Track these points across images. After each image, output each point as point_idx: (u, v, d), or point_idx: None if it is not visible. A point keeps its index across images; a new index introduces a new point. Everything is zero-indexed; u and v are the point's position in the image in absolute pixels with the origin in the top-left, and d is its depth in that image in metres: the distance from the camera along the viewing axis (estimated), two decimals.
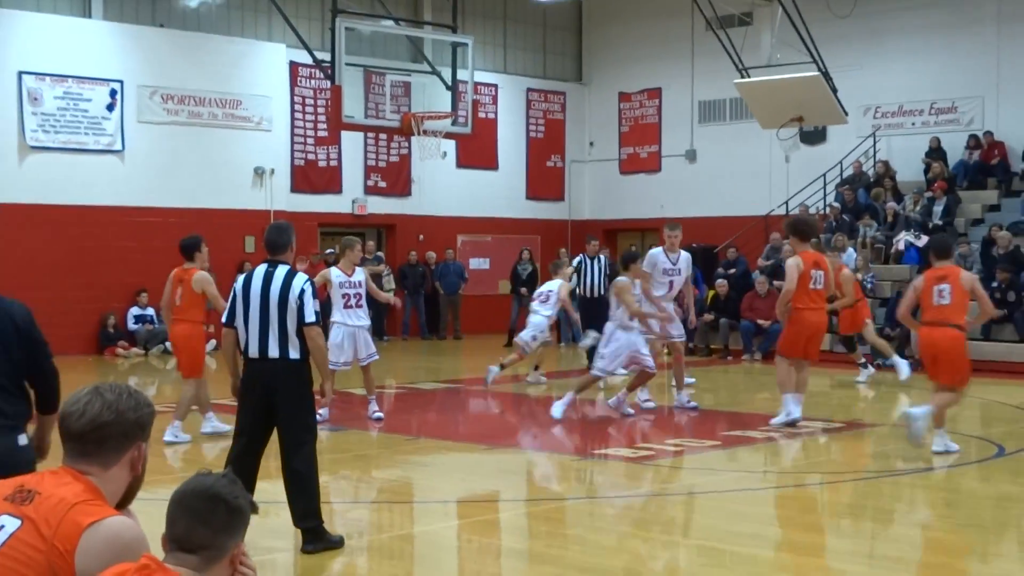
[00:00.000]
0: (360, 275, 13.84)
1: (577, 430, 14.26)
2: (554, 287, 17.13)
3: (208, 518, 3.38)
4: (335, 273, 13.73)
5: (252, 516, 3.48)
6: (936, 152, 25.39)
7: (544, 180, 30.55)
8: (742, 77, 22.11)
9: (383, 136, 26.06)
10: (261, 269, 8.06)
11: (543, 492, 10.98)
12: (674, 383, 15.46)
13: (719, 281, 23.82)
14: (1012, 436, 13.46)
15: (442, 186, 27.99)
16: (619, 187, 30.74)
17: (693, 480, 11.01)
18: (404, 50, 23.27)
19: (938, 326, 11.38)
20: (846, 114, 22.04)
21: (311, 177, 26.06)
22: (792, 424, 13.17)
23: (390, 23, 22.79)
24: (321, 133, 26.31)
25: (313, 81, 25.58)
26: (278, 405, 7.90)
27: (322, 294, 12.65)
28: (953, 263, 11.94)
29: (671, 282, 14.95)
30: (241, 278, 8.16)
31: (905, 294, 12.28)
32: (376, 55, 23.45)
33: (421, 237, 27.74)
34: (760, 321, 22.62)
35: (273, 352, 7.92)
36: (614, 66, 30.73)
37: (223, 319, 8.31)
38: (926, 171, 25.27)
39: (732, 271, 24.29)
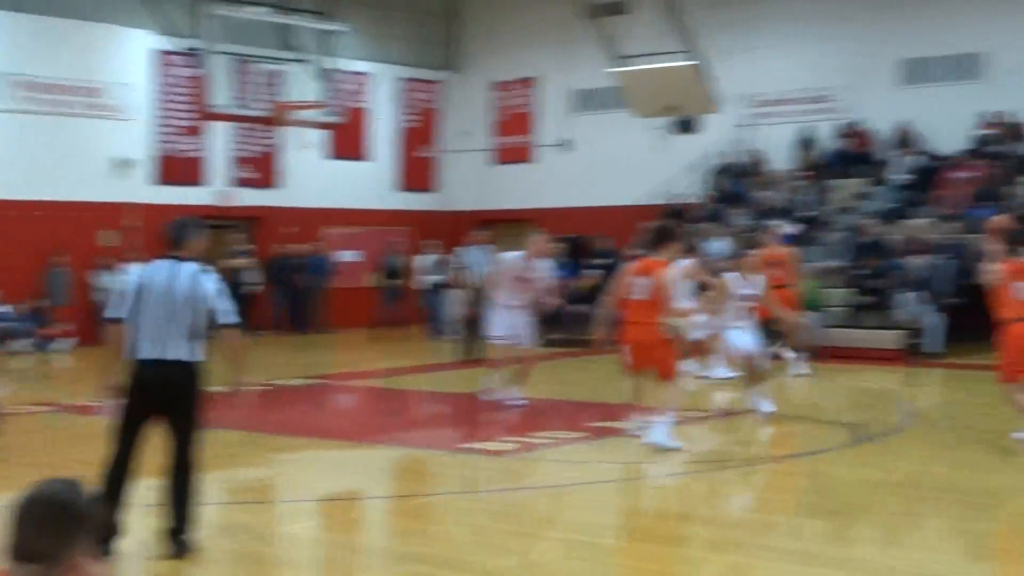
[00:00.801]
0: None
1: (447, 424, 14.23)
2: None
3: (48, 526, 3.28)
4: None
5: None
6: (806, 141, 25.84)
7: (416, 171, 30.43)
8: (617, 66, 22.24)
9: (251, 127, 25.68)
10: (163, 265, 7.73)
11: (408, 488, 10.91)
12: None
13: (591, 271, 23.93)
14: (876, 422, 13.72)
15: (312, 177, 27.72)
16: (494, 177, 30.75)
17: (559, 473, 11.01)
18: (275, 38, 22.95)
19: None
20: (719, 103, 22.29)
21: (175, 168, 25.54)
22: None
23: (260, 10, 22.46)
24: (187, 123, 25.82)
25: (179, 69, 25.09)
26: (173, 408, 7.66)
27: None
28: None
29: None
30: (138, 273, 7.80)
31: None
32: (246, 43, 23.07)
33: (295, 229, 27.40)
34: None
35: (175, 354, 7.61)
36: (488, 55, 30.73)
37: (111, 314, 7.88)
38: (796, 160, 25.70)
39: (606, 260, 24.42)
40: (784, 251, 18.23)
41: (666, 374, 11.40)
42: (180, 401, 7.67)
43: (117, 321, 7.76)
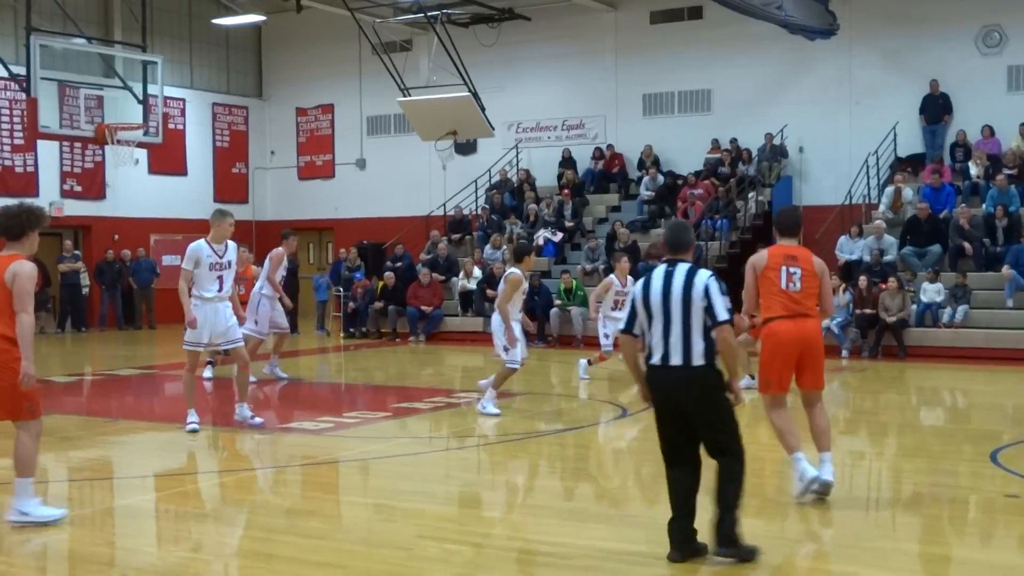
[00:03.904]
0: None
1: (264, 406, 13.99)
2: None
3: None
4: None
5: None
6: (567, 162, 26.30)
7: (230, 185, 29.88)
8: (404, 96, 22.23)
9: (78, 144, 24.86)
10: (661, 270, 6.62)
11: (233, 464, 10.71)
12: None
13: (387, 273, 23.90)
14: (634, 400, 14.04)
15: (135, 190, 27.00)
16: (298, 191, 30.42)
17: (368, 447, 10.99)
18: (97, 66, 22.17)
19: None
20: (493, 129, 22.50)
21: (8, 181, 24.55)
22: None
23: (82, 41, 21.74)
24: (17, 141, 24.84)
25: (8, 92, 24.11)
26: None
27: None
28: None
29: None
30: (640, 283, 6.67)
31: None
32: (70, 70, 22.21)
33: (116, 236, 26.64)
34: (423, 307, 22.85)
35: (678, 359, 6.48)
36: (291, 84, 30.35)
37: (624, 327, 6.73)
38: (559, 178, 26.13)
39: (399, 264, 24.41)
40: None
41: None
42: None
43: (628, 333, 6.76)
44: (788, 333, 7.96)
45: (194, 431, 11.29)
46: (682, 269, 6.55)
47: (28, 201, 8.71)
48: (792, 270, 8.01)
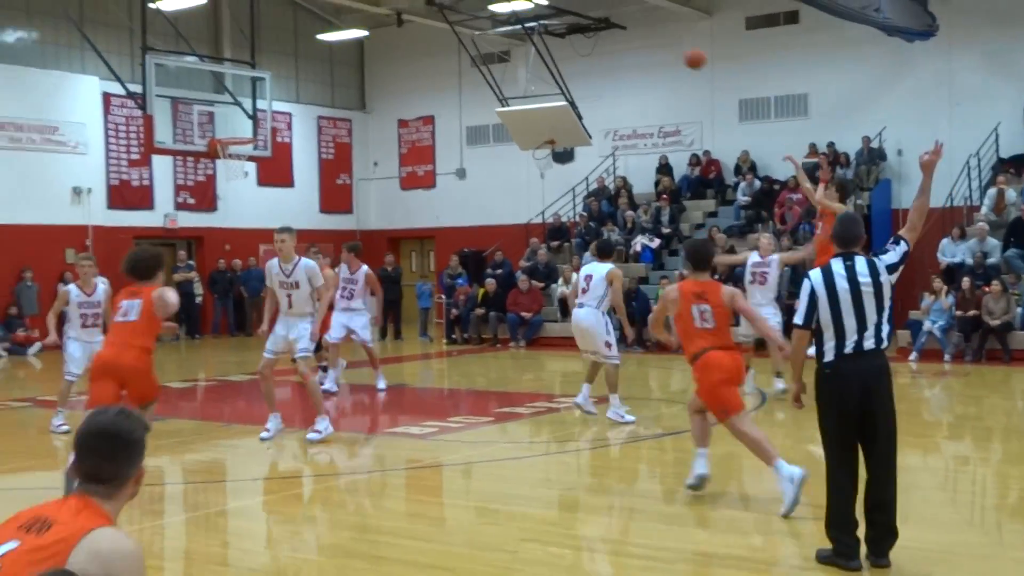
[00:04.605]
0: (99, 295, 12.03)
1: (369, 411, 14.17)
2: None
3: (111, 455, 3.35)
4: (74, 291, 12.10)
5: None
6: (664, 168, 26.15)
7: (335, 195, 30.29)
8: (502, 106, 22.33)
9: (191, 158, 25.41)
10: (840, 264, 6.56)
11: (341, 468, 10.86)
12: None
13: (488, 280, 24.02)
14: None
15: (245, 202, 27.48)
16: (400, 201, 30.70)
17: (471, 451, 11.05)
18: (209, 83, 22.66)
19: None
20: (590, 137, 22.48)
21: (126, 195, 25.21)
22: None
23: (194, 59, 22.22)
24: (134, 156, 25.46)
25: (125, 109, 24.73)
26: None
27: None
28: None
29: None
30: (820, 279, 6.56)
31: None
32: (183, 87, 22.74)
33: (227, 247, 27.15)
34: (523, 313, 22.91)
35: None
36: (393, 96, 30.66)
37: (802, 320, 6.62)
38: (656, 184, 26.00)
39: (499, 271, 24.52)
40: None
41: None
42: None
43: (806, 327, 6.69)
44: (724, 359, 8.26)
45: (264, 439, 11.30)
46: (861, 261, 6.55)
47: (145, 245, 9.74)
48: (702, 308, 8.31)
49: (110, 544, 3.19)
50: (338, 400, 14.88)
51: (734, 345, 8.67)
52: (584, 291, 12.17)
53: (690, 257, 8.78)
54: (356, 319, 15.07)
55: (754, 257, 14.78)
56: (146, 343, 8.71)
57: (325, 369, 15.22)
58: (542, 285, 23.81)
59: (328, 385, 14.79)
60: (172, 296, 8.80)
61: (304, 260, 11.36)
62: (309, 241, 28.25)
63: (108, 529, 3.23)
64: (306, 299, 11.27)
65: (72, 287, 12.11)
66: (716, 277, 14.56)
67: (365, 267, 15.20)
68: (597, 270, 12.25)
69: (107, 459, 3.35)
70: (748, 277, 14.71)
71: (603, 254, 12.51)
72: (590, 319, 12.11)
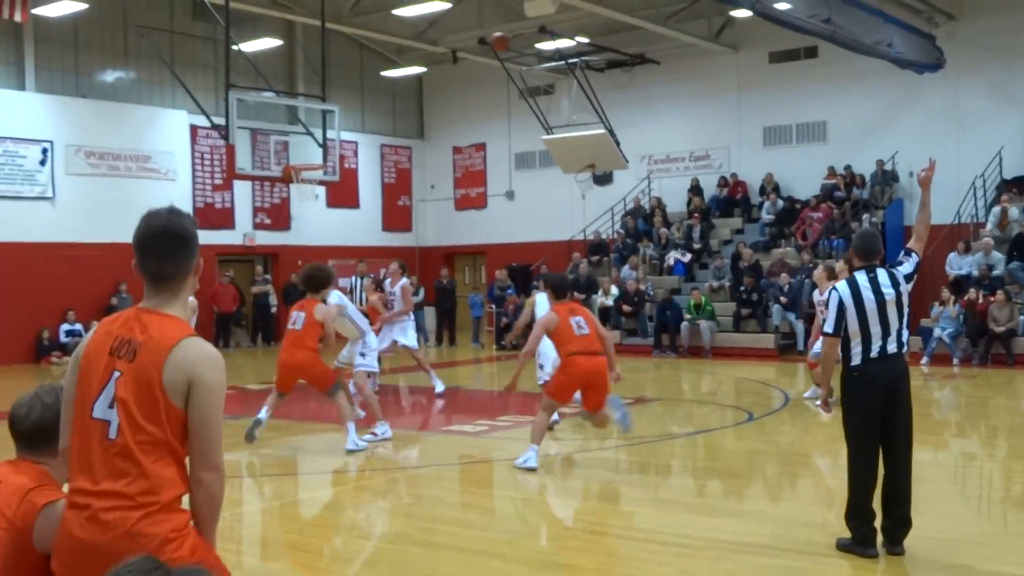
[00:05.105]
0: None
1: (424, 411, 14.18)
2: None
3: (172, 252, 3.28)
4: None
5: None
6: (695, 189, 26.02)
7: (396, 216, 30.41)
8: (548, 134, 22.32)
9: (267, 183, 25.63)
10: (864, 276, 6.53)
11: (402, 463, 10.88)
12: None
13: (534, 291, 23.92)
14: (757, 405, 13.85)
15: (316, 222, 27.65)
16: (455, 220, 30.76)
17: (519, 448, 11.01)
18: (284, 115, 22.87)
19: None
20: (627, 161, 22.40)
21: (210, 216, 25.45)
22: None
23: (271, 95, 22.42)
24: (217, 181, 25.73)
25: (210, 140, 24.97)
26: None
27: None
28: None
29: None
30: (847, 291, 6.49)
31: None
32: (261, 119, 22.93)
33: (300, 262, 27.26)
34: None
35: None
36: (449, 126, 30.75)
37: (832, 329, 6.51)
38: (688, 204, 25.87)
39: (575, 294, 24.40)
40: None
41: None
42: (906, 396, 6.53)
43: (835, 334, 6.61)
44: (583, 365, 9.32)
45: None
46: (883, 273, 6.56)
47: (316, 263, 11.32)
48: (577, 319, 9.42)
49: (197, 351, 3.19)
50: (397, 400, 14.90)
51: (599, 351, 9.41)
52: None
53: (556, 287, 10.01)
54: (398, 328, 14.84)
55: (815, 295, 14.12)
56: (311, 345, 10.32)
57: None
58: (584, 296, 23.73)
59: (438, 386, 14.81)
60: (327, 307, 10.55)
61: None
62: (373, 257, 28.56)
63: (194, 338, 3.23)
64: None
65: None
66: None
67: (403, 280, 15.00)
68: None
69: (169, 256, 3.27)
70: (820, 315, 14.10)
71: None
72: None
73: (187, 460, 3.20)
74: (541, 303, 11.84)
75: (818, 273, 13.76)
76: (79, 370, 3.24)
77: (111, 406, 3.12)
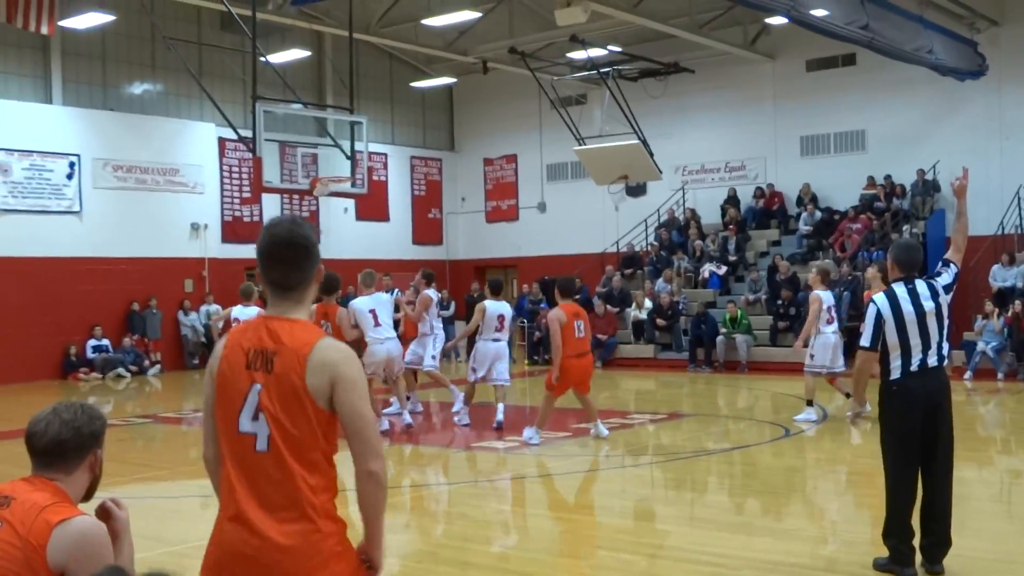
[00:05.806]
0: None
1: (451, 427, 14.20)
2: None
3: (295, 262, 3.40)
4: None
5: None
6: (731, 200, 25.95)
7: (426, 229, 30.54)
8: (580, 145, 22.36)
9: (296, 196, 25.79)
10: (903, 289, 6.46)
11: (432, 479, 10.92)
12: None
13: None
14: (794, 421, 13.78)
15: (345, 235, 27.78)
16: (486, 233, 30.84)
17: (551, 464, 11.05)
18: (312, 127, 23.05)
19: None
20: (661, 172, 22.39)
21: (238, 230, 25.68)
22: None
23: (299, 106, 22.58)
24: (245, 194, 25.95)
25: (237, 153, 25.19)
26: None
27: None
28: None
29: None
30: (886, 304, 6.41)
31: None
32: (289, 131, 23.15)
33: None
34: (599, 336, 22.82)
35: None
36: (479, 137, 30.86)
37: (869, 343, 6.43)
38: (723, 215, 25.81)
39: (576, 297, 24.34)
40: None
41: None
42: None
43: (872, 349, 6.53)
44: (576, 369, 11.70)
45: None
46: (922, 284, 6.49)
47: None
48: (579, 323, 11.75)
49: (334, 351, 3.33)
50: (428, 415, 14.93)
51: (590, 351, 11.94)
52: (498, 328, 13.51)
53: (563, 289, 12.34)
54: (418, 344, 14.77)
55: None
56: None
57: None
58: (617, 310, 23.74)
59: (406, 418, 13.97)
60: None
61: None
62: (401, 271, 28.68)
63: (326, 338, 3.37)
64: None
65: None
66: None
67: (424, 291, 14.89)
68: (506, 309, 13.63)
69: (293, 266, 3.41)
70: (825, 320, 14.15)
71: (494, 292, 13.78)
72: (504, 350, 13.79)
73: (351, 458, 3.41)
74: (492, 309, 13.57)
75: (871, 273, 13.92)
76: (216, 388, 3.38)
77: (255, 418, 3.27)
